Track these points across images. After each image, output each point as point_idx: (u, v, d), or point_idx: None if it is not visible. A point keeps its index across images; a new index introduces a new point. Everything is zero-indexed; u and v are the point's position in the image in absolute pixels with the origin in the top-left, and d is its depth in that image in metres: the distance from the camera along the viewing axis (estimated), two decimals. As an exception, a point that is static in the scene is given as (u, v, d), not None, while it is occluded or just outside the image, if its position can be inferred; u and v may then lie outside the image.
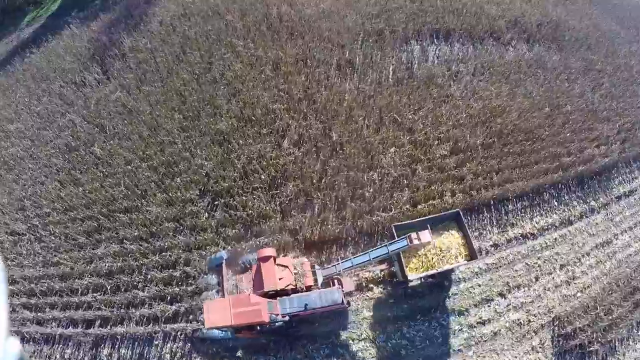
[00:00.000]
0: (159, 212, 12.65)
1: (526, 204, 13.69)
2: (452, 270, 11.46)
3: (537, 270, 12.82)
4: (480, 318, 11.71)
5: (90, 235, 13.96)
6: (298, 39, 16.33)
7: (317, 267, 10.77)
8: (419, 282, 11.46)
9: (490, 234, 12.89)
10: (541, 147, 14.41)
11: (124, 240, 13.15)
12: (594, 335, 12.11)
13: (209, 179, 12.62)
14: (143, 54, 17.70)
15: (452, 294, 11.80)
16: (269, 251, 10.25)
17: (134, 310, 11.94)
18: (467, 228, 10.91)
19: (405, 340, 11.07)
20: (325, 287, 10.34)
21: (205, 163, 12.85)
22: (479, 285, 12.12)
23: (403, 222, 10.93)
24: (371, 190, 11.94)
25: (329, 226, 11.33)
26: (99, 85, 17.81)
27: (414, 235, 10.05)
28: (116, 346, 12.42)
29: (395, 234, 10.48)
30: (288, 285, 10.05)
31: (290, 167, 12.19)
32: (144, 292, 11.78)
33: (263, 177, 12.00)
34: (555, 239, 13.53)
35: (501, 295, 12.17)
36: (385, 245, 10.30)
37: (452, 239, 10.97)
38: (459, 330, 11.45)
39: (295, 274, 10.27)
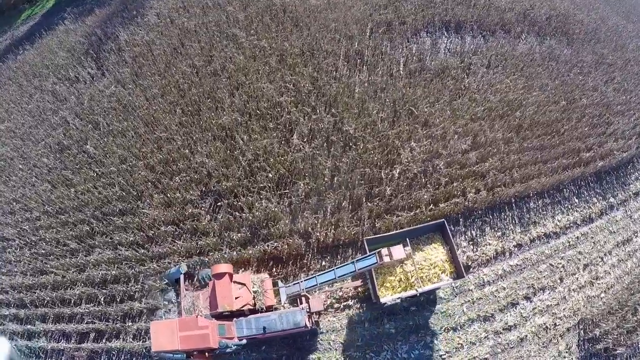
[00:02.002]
0: (157, 214, 11.04)
1: (547, 202, 12.41)
2: (436, 289, 9.56)
3: (561, 271, 11.55)
4: (505, 323, 10.40)
5: (83, 240, 12.42)
6: (303, 29, 14.76)
7: (280, 284, 9.30)
8: (397, 302, 9.42)
9: (513, 233, 11.56)
10: (560, 142, 13.13)
11: (119, 246, 11.59)
12: (620, 338, 10.89)
13: (211, 178, 11.05)
14: (139, 47, 15.98)
15: (477, 298, 10.46)
16: (225, 267, 8.87)
17: (130, 323, 10.38)
18: (453, 241, 9.15)
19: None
20: (293, 306, 8.92)
21: (207, 161, 11.27)
22: (504, 289, 10.79)
23: (376, 236, 9.12)
24: (389, 188, 10.47)
25: (344, 228, 9.83)
26: (93, 81, 16.09)
27: (384, 251, 8.37)
28: None
29: (366, 249, 8.78)
30: (245, 305, 8.73)
31: (299, 164, 10.65)
32: (141, 303, 10.22)
33: (270, 175, 10.46)
34: (578, 237, 12.27)
35: (527, 298, 10.87)
36: (353, 262, 8.64)
37: (436, 253, 9.26)
38: (485, 337, 10.10)
39: (254, 292, 8.88)
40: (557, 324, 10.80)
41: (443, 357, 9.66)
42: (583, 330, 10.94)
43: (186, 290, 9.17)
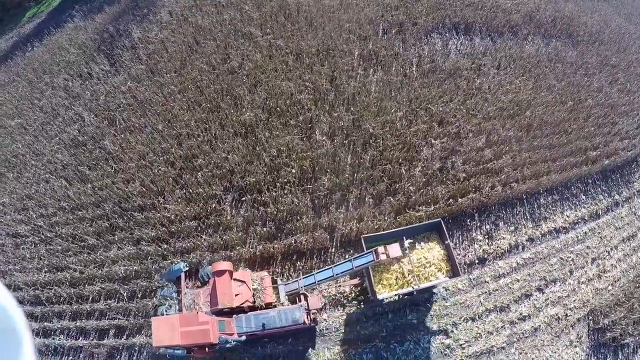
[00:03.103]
0: (179, 210, 11.29)
1: (556, 198, 12.96)
2: (432, 287, 9.87)
3: (570, 264, 12.09)
4: (520, 314, 10.89)
5: (101, 236, 12.54)
6: (318, 29, 15.15)
7: (279, 282, 9.59)
8: (395, 299, 9.97)
9: (525, 228, 12.07)
10: (567, 141, 13.71)
11: (140, 242, 11.75)
12: (628, 328, 11.47)
13: (234, 173, 11.34)
14: (153, 44, 16.20)
15: (493, 289, 10.93)
16: (225, 265, 9.10)
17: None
18: (449, 240, 9.39)
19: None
20: (291, 304, 9.17)
21: (229, 157, 11.55)
22: (518, 281, 11.29)
23: (374, 234, 9.38)
24: (408, 184, 10.90)
25: (368, 222, 10.22)
26: (107, 77, 16.23)
27: (380, 249, 8.53)
28: (134, 358, 11.09)
29: (364, 247, 9.00)
30: (245, 302, 8.96)
31: (322, 160, 11.02)
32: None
33: (294, 170, 10.79)
34: (585, 232, 12.84)
35: (539, 290, 11.38)
36: (350, 260, 8.87)
37: (432, 252, 9.47)
38: (501, 327, 10.57)
39: (254, 289, 9.15)
40: (568, 314, 11.33)
41: (463, 346, 10.10)
42: (592, 321, 11.49)
43: (186, 288, 9.38)
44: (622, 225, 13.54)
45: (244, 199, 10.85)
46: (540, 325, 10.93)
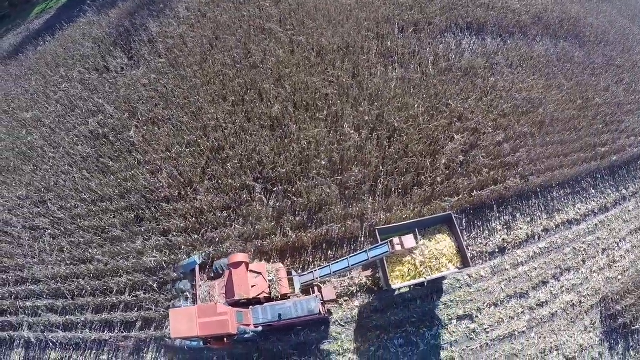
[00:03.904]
0: (209, 200, 11.63)
1: (568, 192, 13.71)
2: (442, 278, 10.36)
3: (583, 254, 12.83)
4: (538, 300, 11.57)
5: (127, 227, 12.73)
6: (337, 27, 15.71)
7: (294, 273, 9.87)
8: (407, 290, 10.44)
9: (540, 219, 12.78)
10: (578, 137, 14.49)
11: (168, 233, 11.99)
12: (638, 315, 12.20)
13: (263, 165, 11.77)
14: (173, 39, 16.53)
15: (513, 277, 11.61)
16: (241, 257, 9.34)
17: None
18: (459, 232, 9.78)
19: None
20: (305, 295, 9.50)
21: (259, 148, 11.96)
22: (535, 269, 11.97)
23: (388, 225, 9.82)
24: (433, 175, 11.49)
25: (397, 212, 10.77)
26: (125, 71, 16.50)
27: (396, 240, 8.87)
28: (162, 350, 11.26)
29: (378, 238, 9.36)
30: (261, 293, 9.20)
31: (351, 152, 11.54)
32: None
33: (323, 162, 11.28)
34: (596, 224, 13.61)
35: (555, 277, 12.09)
36: (365, 251, 9.19)
37: (443, 244, 9.88)
38: (522, 312, 11.23)
39: (269, 281, 9.40)
40: (582, 301, 12.04)
41: (487, 330, 10.71)
42: (604, 308, 12.21)
43: (201, 280, 9.58)
44: (630, 218, 14.35)
45: (275, 189, 11.28)
46: (557, 311, 11.61)
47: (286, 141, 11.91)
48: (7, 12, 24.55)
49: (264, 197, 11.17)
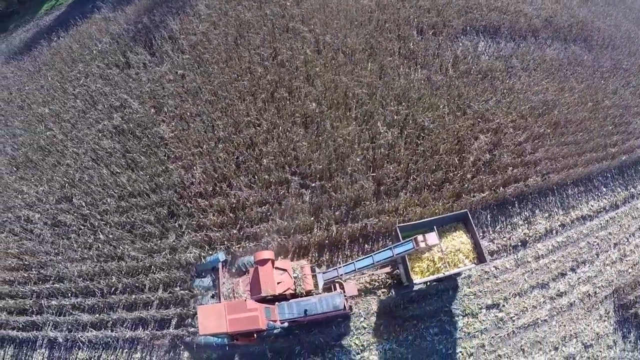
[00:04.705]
0: (246, 195, 12.19)
1: (581, 189, 14.75)
2: (458, 273, 11.04)
3: (597, 248, 13.87)
4: (558, 290, 12.55)
5: (160, 223, 13.06)
6: (360, 27, 16.44)
7: (317, 270, 10.37)
8: (424, 286, 11.06)
9: (557, 215, 13.77)
10: (589, 138, 15.56)
11: (202, 228, 12.41)
12: (647, 306, 13.28)
13: (299, 160, 12.42)
14: (195, 36, 17.01)
15: (535, 269, 12.55)
16: (267, 254, 9.76)
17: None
18: (475, 229, 10.31)
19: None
20: (326, 291, 9.97)
21: (295, 145, 12.57)
22: (554, 261, 12.94)
23: (407, 223, 10.40)
24: (460, 172, 12.33)
25: (430, 207, 11.57)
26: (148, 67, 16.89)
27: (420, 237, 9.30)
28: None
29: (399, 236, 9.89)
30: (287, 289, 9.62)
31: (382, 150, 12.29)
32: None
33: (358, 159, 12.01)
34: (607, 220, 14.68)
35: (572, 270, 13.09)
36: (390, 248, 9.69)
37: (459, 241, 10.50)
38: (543, 302, 12.16)
39: (294, 277, 9.85)
40: (597, 292, 13.07)
41: (513, 319, 11.62)
42: (617, 299, 13.26)
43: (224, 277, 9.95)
44: (638, 215, 15.48)
45: (313, 185, 11.94)
46: (574, 301, 12.61)
47: (320, 138, 12.59)
48: (16, 8, 24.63)
49: (304, 191, 11.81)
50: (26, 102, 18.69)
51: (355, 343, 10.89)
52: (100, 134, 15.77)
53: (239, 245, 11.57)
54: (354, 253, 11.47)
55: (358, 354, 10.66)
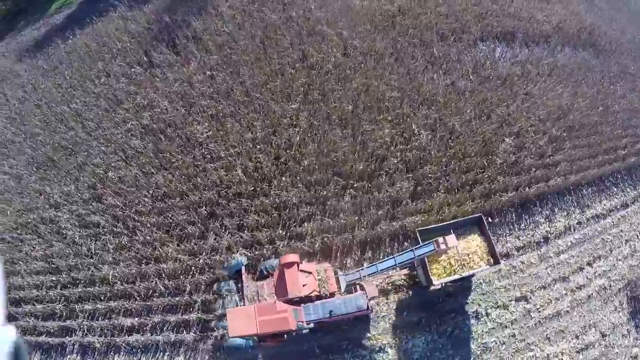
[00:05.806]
0: (288, 196, 13.02)
1: (595, 189, 16.26)
2: (474, 274, 11.85)
3: (610, 244, 15.40)
4: (577, 284, 13.97)
5: (201, 224, 13.43)
6: (384, 32, 17.51)
7: (339, 272, 11.13)
8: (440, 287, 11.98)
9: (574, 213, 15.22)
10: (601, 141, 17.09)
11: (244, 228, 13.02)
12: (656, 298, 14.90)
13: (339, 161, 13.39)
14: (220, 36, 17.72)
15: (556, 263, 13.94)
16: (293, 257, 10.42)
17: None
18: (489, 232, 11.20)
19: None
20: (348, 293, 10.68)
21: (334, 146, 13.51)
22: (573, 257, 14.38)
23: (426, 227, 11.31)
24: (489, 173, 13.59)
25: (464, 207, 12.77)
26: (174, 66, 17.49)
27: (440, 239, 10.12)
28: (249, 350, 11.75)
29: (419, 239, 10.81)
30: (312, 291, 10.27)
31: (417, 152, 13.41)
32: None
33: (396, 161, 13.09)
34: (619, 218, 16.24)
35: (589, 264, 14.55)
36: (412, 250, 10.51)
37: (474, 243, 11.35)
38: (565, 294, 13.56)
39: (318, 279, 10.51)
40: (612, 285, 14.57)
41: (539, 310, 12.94)
42: (630, 291, 14.80)
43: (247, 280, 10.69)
44: (645, 213, 17.16)
45: (355, 185, 12.95)
46: (592, 294, 14.06)
47: (358, 139, 13.62)
48: (24, 7, 24.76)
49: (348, 191, 12.84)
50: (43, 101, 19.01)
51: (399, 337, 11.94)
52: (129, 134, 16.30)
53: (285, 245, 12.41)
54: (394, 250, 12.55)
55: (405, 342, 11.80)
